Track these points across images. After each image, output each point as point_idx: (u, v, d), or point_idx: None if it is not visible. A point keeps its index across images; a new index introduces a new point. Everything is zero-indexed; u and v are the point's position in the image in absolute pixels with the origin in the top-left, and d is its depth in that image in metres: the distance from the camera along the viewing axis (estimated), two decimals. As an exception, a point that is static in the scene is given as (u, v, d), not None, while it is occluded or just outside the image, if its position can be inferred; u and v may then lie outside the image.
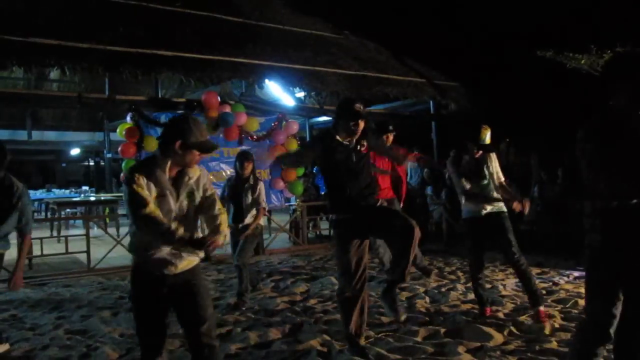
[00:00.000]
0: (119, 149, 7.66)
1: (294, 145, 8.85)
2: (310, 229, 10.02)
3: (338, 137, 3.48)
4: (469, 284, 4.79)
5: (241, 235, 5.11)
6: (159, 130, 6.08)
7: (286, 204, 9.56)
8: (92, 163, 23.32)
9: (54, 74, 12.30)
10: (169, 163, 2.60)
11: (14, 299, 5.76)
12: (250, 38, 9.34)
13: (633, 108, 2.29)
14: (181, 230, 2.56)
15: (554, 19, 12.60)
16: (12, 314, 5.20)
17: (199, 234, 2.72)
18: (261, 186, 5.32)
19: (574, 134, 2.44)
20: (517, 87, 12.09)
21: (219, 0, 10.12)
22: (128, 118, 7.68)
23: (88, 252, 7.35)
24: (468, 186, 4.32)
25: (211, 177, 8.23)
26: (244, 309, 5.00)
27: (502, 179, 4.48)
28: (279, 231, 9.09)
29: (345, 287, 3.53)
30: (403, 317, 3.80)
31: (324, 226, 10.51)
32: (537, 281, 4.61)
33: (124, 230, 9.10)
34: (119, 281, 6.53)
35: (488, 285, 5.23)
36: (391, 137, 5.34)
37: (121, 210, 11.48)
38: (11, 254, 4.14)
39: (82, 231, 8.16)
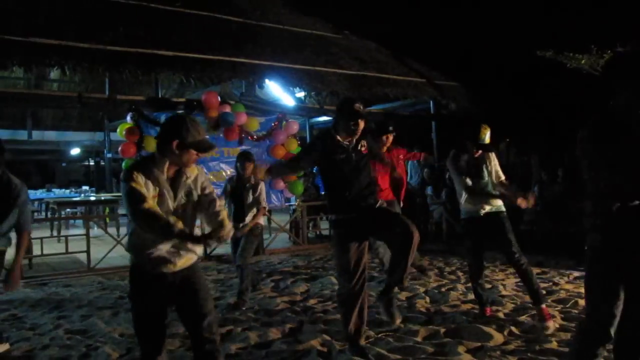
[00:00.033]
0: (119, 149, 7.66)
1: (294, 145, 8.85)
2: (310, 229, 10.02)
3: (338, 137, 3.48)
4: (469, 284, 4.79)
5: (241, 231, 5.14)
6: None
7: (286, 204, 9.56)
8: (92, 163, 23.32)
9: (54, 74, 12.33)
10: (166, 163, 2.60)
11: (14, 299, 5.77)
12: (250, 38, 9.35)
13: (633, 108, 2.29)
14: (180, 224, 2.54)
15: (554, 19, 12.61)
16: (12, 313, 5.20)
17: (198, 233, 2.72)
18: (262, 186, 5.34)
19: (574, 134, 2.44)
20: (517, 87, 12.10)
21: (219, 0, 10.13)
22: (128, 118, 7.68)
23: (88, 252, 7.35)
24: (469, 182, 4.32)
25: (211, 177, 8.23)
26: (244, 308, 5.00)
27: (503, 177, 4.47)
28: (279, 231, 9.09)
29: (344, 287, 3.53)
30: (398, 321, 3.79)
31: (324, 226, 10.51)
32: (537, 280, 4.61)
33: (124, 230, 9.11)
34: (119, 281, 6.53)
35: (488, 285, 5.23)
36: (391, 138, 5.33)
37: (121, 210, 11.48)
38: (11, 253, 4.14)
39: (82, 231, 8.17)
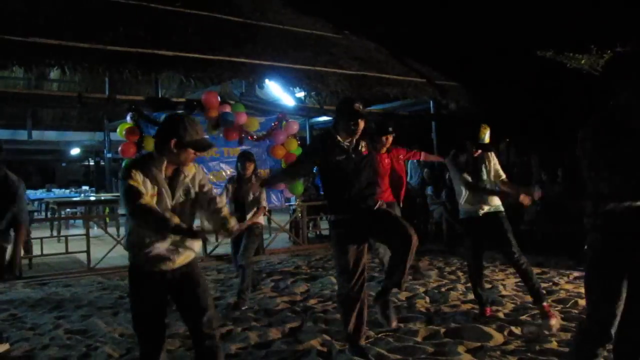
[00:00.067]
0: (119, 148, 7.67)
1: (294, 145, 8.85)
2: (310, 228, 10.02)
3: (338, 138, 3.48)
4: (469, 284, 4.79)
5: (240, 226, 5.16)
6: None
7: (286, 204, 9.57)
8: (92, 163, 23.31)
9: (54, 74, 12.33)
10: (164, 162, 2.61)
11: (14, 299, 5.77)
12: (250, 38, 9.35)
13: (633, 108, 2.29)
14: (176, 219, 2.54)
15: (554, 19, 12.61)
16: (12, 313, 5.20)
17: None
18: (262, 186, 5.37)
19: (574, 134, 2.44)
20: (517, 87, 12.11)
21: (219, 0, 10.13)
22: (128, 118, 7.69)
23: (88, 252, 7.35)
24: (470, 179, 4.32)
25: (211, 177, 8.24)
26: (244, 308, 5.00)
27: (503, 176, 4.48)
28: (279, 231, 9.09)
29: (344, 288, 3.53)
30: (394, 324, 3.80)
31: (324, 226, 10.50)
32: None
33: (124, 230, 9.09)
34: (119, 281, 6.53)
35: (488, 285, 5.23)
36: (390, 139, 5.34)
37: (121, 210, 11.46)
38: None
39: (82, 231, 8.16)
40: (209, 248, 8.10)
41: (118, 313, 5.01)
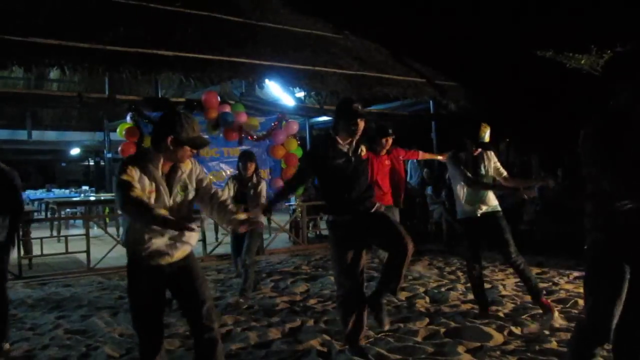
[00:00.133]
0: (119, 148, 7.67)
1: (293, 145, 8.85)
2: (310, 228, 10.02)
3: (338, 139, 3.47)
4: (469, 284, 4.79)
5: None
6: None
7: (286, 204, 9.56)
8: (92, 163, 23.32)
9: (54, 74, 12.31)
10: (161, 159, 2.61)
11: (14, 299, 5.76)
12: (250, 38, 9.35)
13: (633, 108, 2.29)
14: (163, 211, 2.53)
15: (554, 19, 12.60)
16: (12, 313, 5.17)
17: (196, 231, 2.76)
18: (263, 185, 5.42)
19: (573, 134, 2.43)
20: (517, 87, 12.09)
21: (219, 0, 10.12)
22: (128, 118, 7.69)
23: (88, 252, 7.35)
24: (470, 175, 4.32)
25: (211, 177, 8.24)
26: (244, 307, 5.01)
27: (505, 173, 4.50)
28: (279, 231, 9.09)
29: (343, 288, 3.53)
30: (387, 327, 3.80)
31: (324, 226, 10.47)
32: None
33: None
34: (119, 281, 6.53)
35: (488, 285, 5.23)
36: (390, 141, 5.35)
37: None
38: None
39: (82, 231, 8.16)
40: (209, 248, 8.10)
41: (118, 313, 5.01)
